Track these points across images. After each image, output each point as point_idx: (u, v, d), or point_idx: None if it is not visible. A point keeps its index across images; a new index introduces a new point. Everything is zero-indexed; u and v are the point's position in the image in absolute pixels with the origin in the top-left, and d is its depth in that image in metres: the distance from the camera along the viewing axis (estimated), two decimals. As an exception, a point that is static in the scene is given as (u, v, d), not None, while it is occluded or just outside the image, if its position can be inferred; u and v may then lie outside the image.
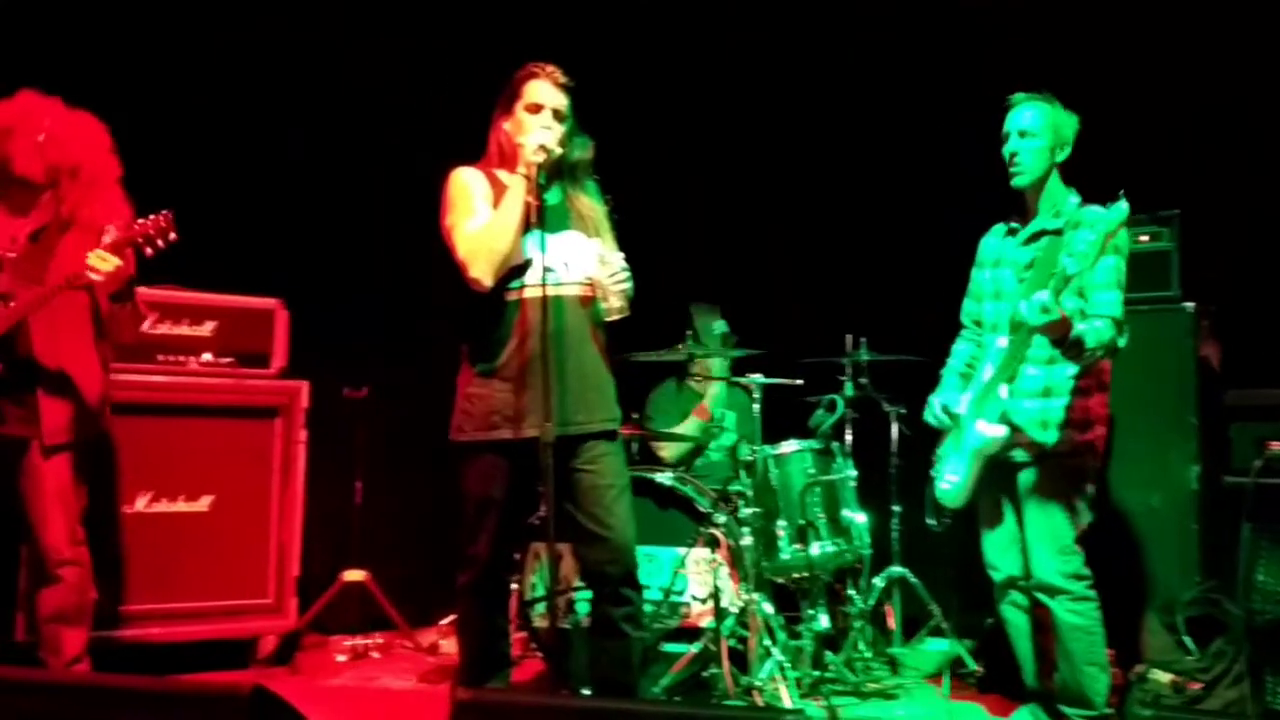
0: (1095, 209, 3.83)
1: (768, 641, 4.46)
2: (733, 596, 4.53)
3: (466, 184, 3.72)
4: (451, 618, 5.17)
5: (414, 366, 5.62)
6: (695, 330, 5.55)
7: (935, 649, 5.25)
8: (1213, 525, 4.66)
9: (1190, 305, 4.75)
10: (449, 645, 5.11)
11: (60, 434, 3.90)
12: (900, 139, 6.14)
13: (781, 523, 4.78)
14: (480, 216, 3.65)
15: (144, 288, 4.19)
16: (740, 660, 4.50)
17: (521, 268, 3.65)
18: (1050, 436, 3.86)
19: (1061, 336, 3.60)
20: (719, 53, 6.47)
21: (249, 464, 4.93)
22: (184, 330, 4.91)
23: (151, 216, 3.79)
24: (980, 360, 4.04)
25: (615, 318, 3.71)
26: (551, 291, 3.53)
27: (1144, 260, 4.67)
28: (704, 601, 4.58)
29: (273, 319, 5.12)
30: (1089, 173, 4.05)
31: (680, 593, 4.63)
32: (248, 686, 2.36)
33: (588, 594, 4.61)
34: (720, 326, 5.61)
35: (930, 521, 4.33)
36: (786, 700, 4.25)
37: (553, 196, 3.75)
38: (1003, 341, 3.87)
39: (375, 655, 5.32)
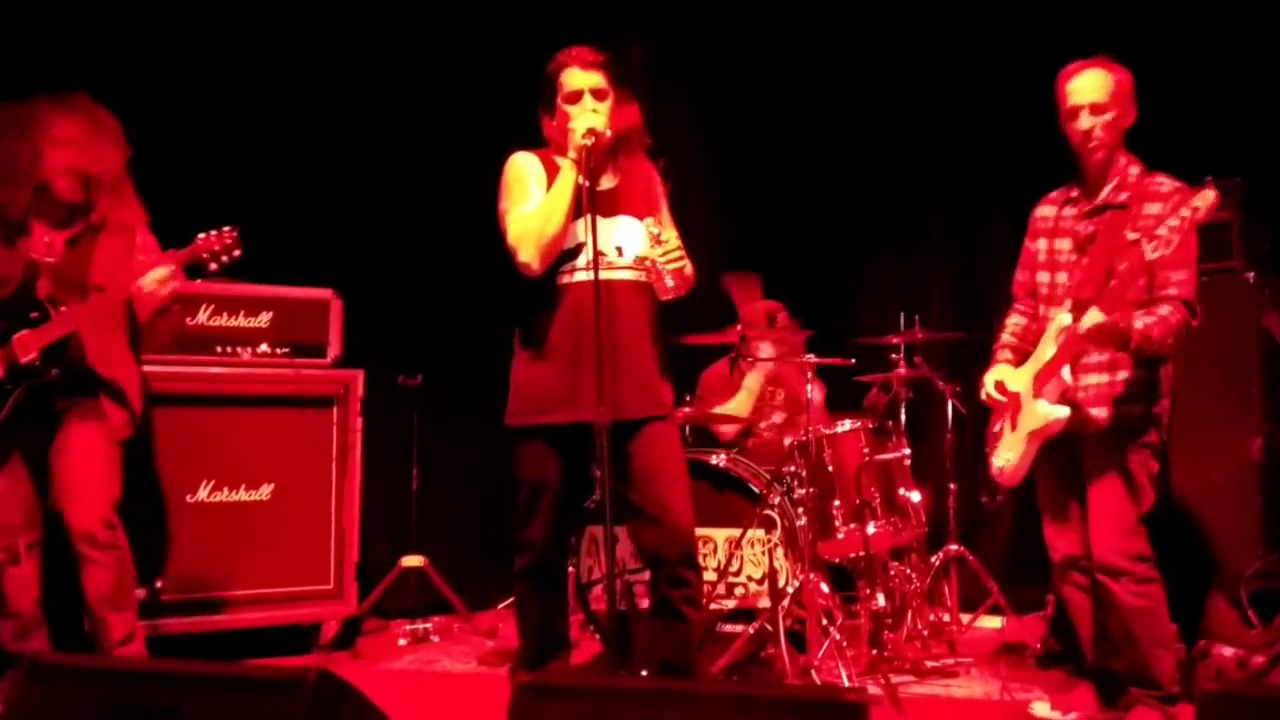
0: (1162, 181, 3.74)
1: (825, 621, 4.45)
2: (789, 577, 4.53)
3: (522, 169, 3.73)
4: (509, 601, 5.20)
5: (468, 353, 5.65)
6: (736, 307, 5.55)
7: (993, 626, 5.22)
8: (1276, 498, 4.59)
9: (1252, 275, 4.67)
10: (507, 628, 5.14)
11: (122, 430, 4.01)
12: (947, 120, 6.09)
13: (836, 503, 4.77)
14: (533, 201, 3.67)
15: (201, 280, 4.24)
16: (798, 640, 4.50)
17: (574, 252, 3.65)
18: (1115, 412, 3.75)
19: (1124, 341, 3.54)
20: (771, 26, 6.42)
21: (307, 453, 4.98)
22: (240, 322, 4.97)
23: (215, 232, 3.89)
24: (1040, 335, 3.90)
25: (670, 298, 3.68)
26: (604, 276, 3.52)
27: (1205, 230, 4.56)
28: (760, 582, 4.58)
29: (328, 309, 5.16)
30: (1150, 138, 3.93)
31: (736, 574, 4.64)
32: (313, 671, 2.38)
33: (643, 576, 4.65)
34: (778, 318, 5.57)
35: (984, 500, 4.30)
36: (845, 680, 4.25)
37: (607, 180, 3.75)
38: (1065, 319, 3.72)
39: (435, 639, 5.37)
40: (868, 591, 4.69)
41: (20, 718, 2.37)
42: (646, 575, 4.62)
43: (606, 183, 3.75)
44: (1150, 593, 3.74)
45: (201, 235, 3.90)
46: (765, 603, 4.50)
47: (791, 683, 4.26)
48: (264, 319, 5.03)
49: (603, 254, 3.56)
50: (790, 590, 4.52)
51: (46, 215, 3.98)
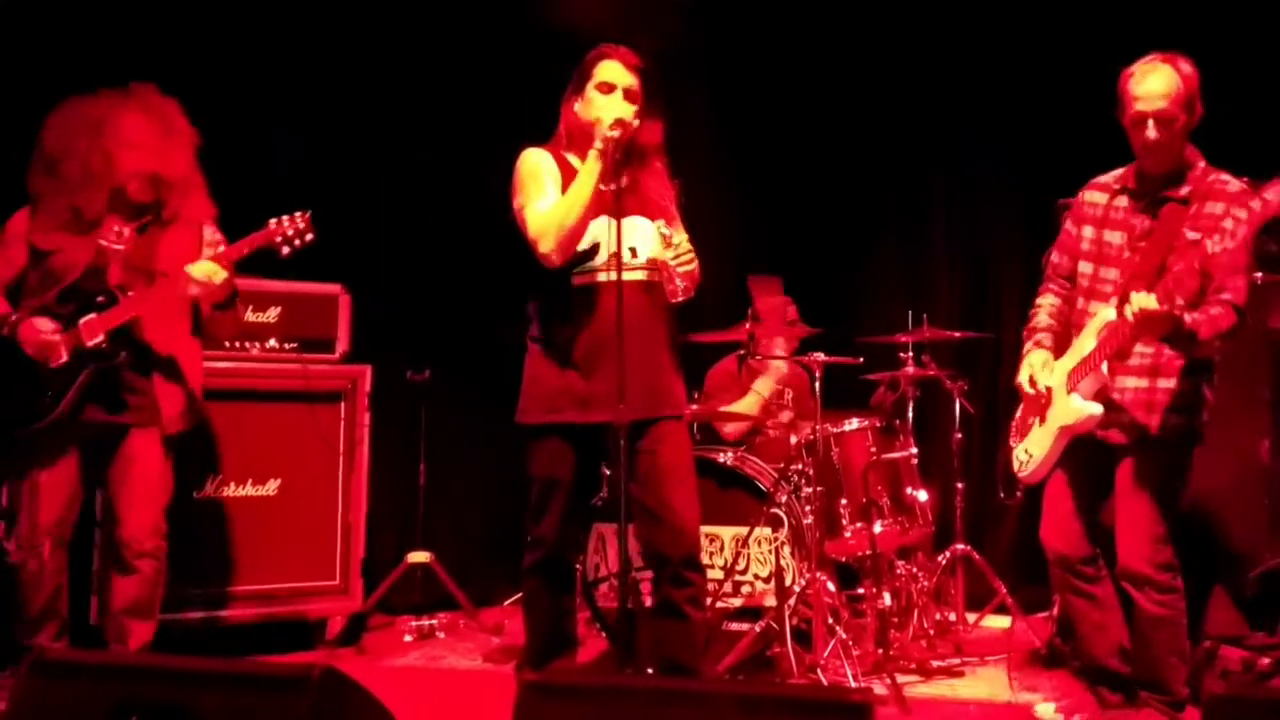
0: (1228, 179, 3.60)
1: (831, 621, 4.45)
2: (795, 575, 4.53)
3: (537, 164, 3.74)
4: (516, 598, 5.21)
5: (475, 349, 5.65)
6: (754, 305, 5.54)
7: (1000, 626, 5.21)
8: (1284, 500, 4.59)
9: (1260, 276, 4.66)
10: (513, 625, 5.14)
11: (176, 422, 4.05)
12: (963, 116, 6.09)
13: (843, 501, 4.76)
14: (550, 197, 3.68)
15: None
16: (804, 639, 4.50)
17: (590, 253, 3.68)
18: (1155, 421, 3.64)
19: (1172, 332, 3.43)
20: (781, 29, 6.42)
21: (315, 448, 4.99)
22: (249, 317, 4.97)
23: (288, 217, 3.97)
24: (1079, 325, 3.78)
25: (680, 300, 3.69)
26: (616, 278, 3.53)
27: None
28: (767, 581, 4.58)
29: (336, 304, 5.17)
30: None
31: (743, 572, 4.64)
32: (318, 667, 2.39)
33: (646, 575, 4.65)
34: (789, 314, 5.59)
35: (1001, 494, 4.26)
36: (850, 679, 4.24)
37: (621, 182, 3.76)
38: (1109, 313, 3.58)
39: (441, 635, 5.37)
40: (874, 590, 4.68)
41: (25, 714, 2.37)
42: (648, 574, 4.64)
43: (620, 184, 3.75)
44: (1172, 602, 3.70)
45: (274, 220, 3.97)
46: (771, 601, 4.50)
47: (797, 682, 4.26)
48: (272, 314, 5.03)
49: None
50: (796, 589, 4.52)
51: (119, 210, 4.04)
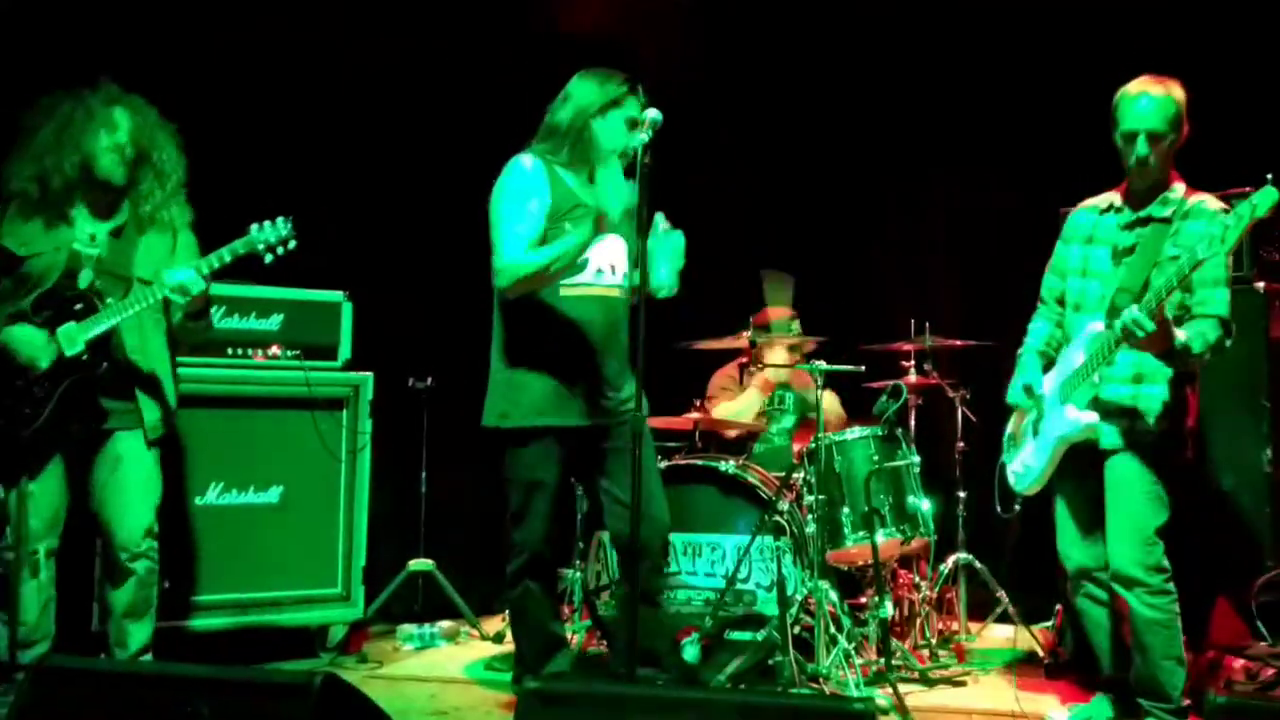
0: (1207, 199, 3.74)
1: (833, 629, 4.44)
2: (798, 584, 4.53)
3: (523, 182, 3.81)
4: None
5: (478, 356, 5.64)
6: (764, 308, 5.57)
7: (1002, 635, 5.21)
8: (1286, 509, 4.58)
9: (1262, 285, 4.66)
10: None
11: (157, 428, 4.02)
12: (964, 126, 6.10)
13: (845, 510, 4.75)
14: (526, 223, 3.75)
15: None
16: (806, 648, 4.49)
17: (579, 267, 3.81)
18: (1142, 424, 3.75)
19: (1163, 348, 3.55)
20: (789, 38, 6.43)
21: (317, 455, 4.98)
22: (251, 324, 4.97)
23: (269, 222, 3.90)
24: (1068, 341, 3.91)
25: (665, 296, 3.80)
26: (600, 291, 3.84)
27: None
28: (769, 589, 4.58)
29: (338, 312, 5.16)
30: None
31: (745, 580, 4.63)
32: (319, 675, 2.39)
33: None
34: (795, 327, 5.61)
35: (998, 508, 4.29)
36: (852, 688, 4.24)
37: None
38: (1097, 326, 3.73)
39: (442, 644, 5.37)
40: (876, 599, 4.68)
41: (28, 721, 2.38)
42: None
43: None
44: (1165, 605, 3.73)
45: (255, 226, 3.91)
46: (773, 610, 4.50)
47: (799, 691, 4.25)
48: (275, 321, 5.03)
49: (600, 270, 3.84)
50: (798, 597, 4.52)
51: (89, 202, 3.97)
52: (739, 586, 4.62)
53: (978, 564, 5.22)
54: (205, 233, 4.16)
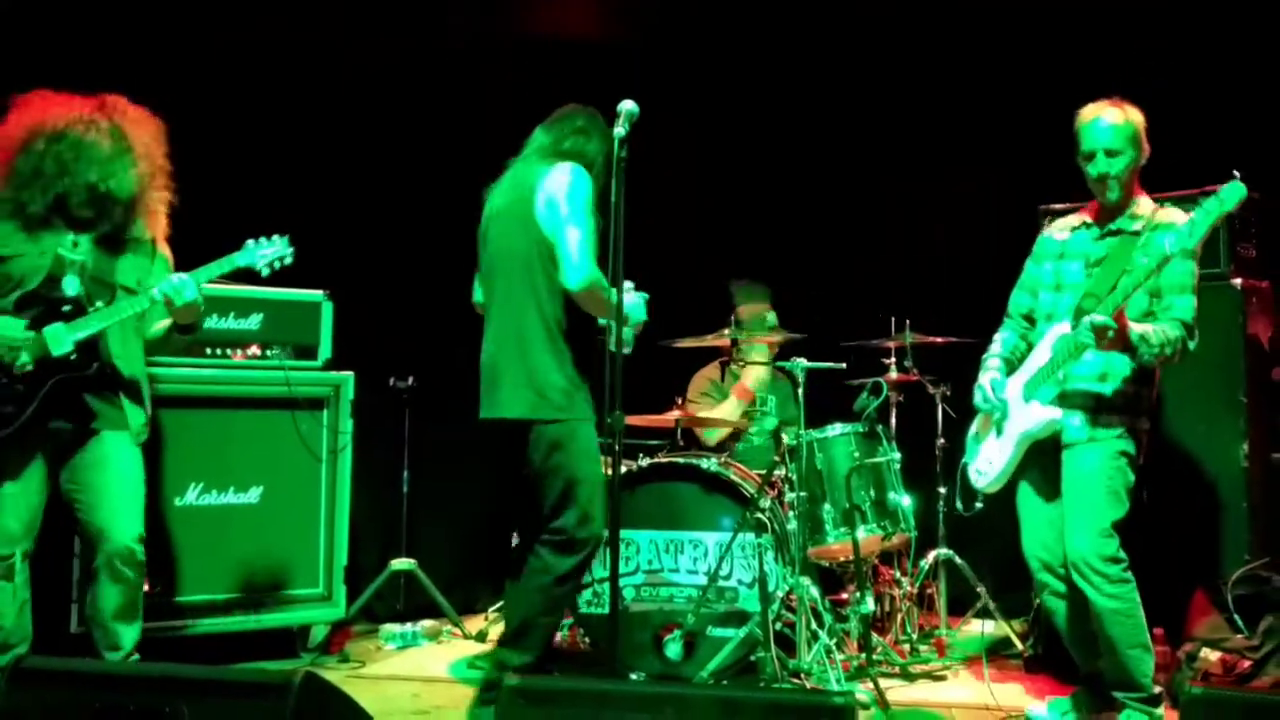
0: (1174, 213, 3.84)
1: (814, 625, 4.46)
2: (779, 580, 4.54)
3: (590, 192, 3.92)
4: (498, 605, 5.19)
5: (460, 356, 5.64)
6: (735, 310, 5.58)
7: (982, 630, 5.23)
8: (1262, 502, 4.62)
9: (1239, 281, 4.69)
10: (496, 632, 5.14)
11: (142, 433, 4.04)
12: (941, 123, 6.12)
13: (826, 506, 4.77)
14: (594, 239, 3.88)
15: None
16: (787, 644, 4.51)
17: None
18: (1103, 420, 3.84)
19: (1125, 346, 3.64)
20: (765, 36, 6.44)
21: (297, 455, 4.97)
22: (231, 324, 4.95)
23: (265, 238, 4.02)
24: (1035, 343, 4.01)
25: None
26: None
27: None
28: (750, 586, 4.59)
29: (319, 311, 5.15)
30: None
31: (727, 577, 4.64)
32: (301, 674, 2.39)
33: (634, 580, 4.66)
34: (771, 319, 5.65)
35: (959, 506, 4.33)
36: (833, 683, 4.25)
37: None
38: (1063, 327, 3.84)
39: (424, 642, 5.37)
40: (857, 595, 4.70)
41: (7, 722, 2.37)
42: (638, 578, 4.66)
43: None
44: (1124, 594, 3.78)
45: (251, 241, 4.00)
46: (755, 606, 4.51)
47: (780, 686, 4.27)
48: (255, 321, 5.01)
49: None
50: (780, 594, 4.53)
51: (61, 218, 3.95)
52: (721, 583, 4.63)
53: (958, 559, 5.24)
54: (189, 231, 4.17)
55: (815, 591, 4.57)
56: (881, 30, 6.21)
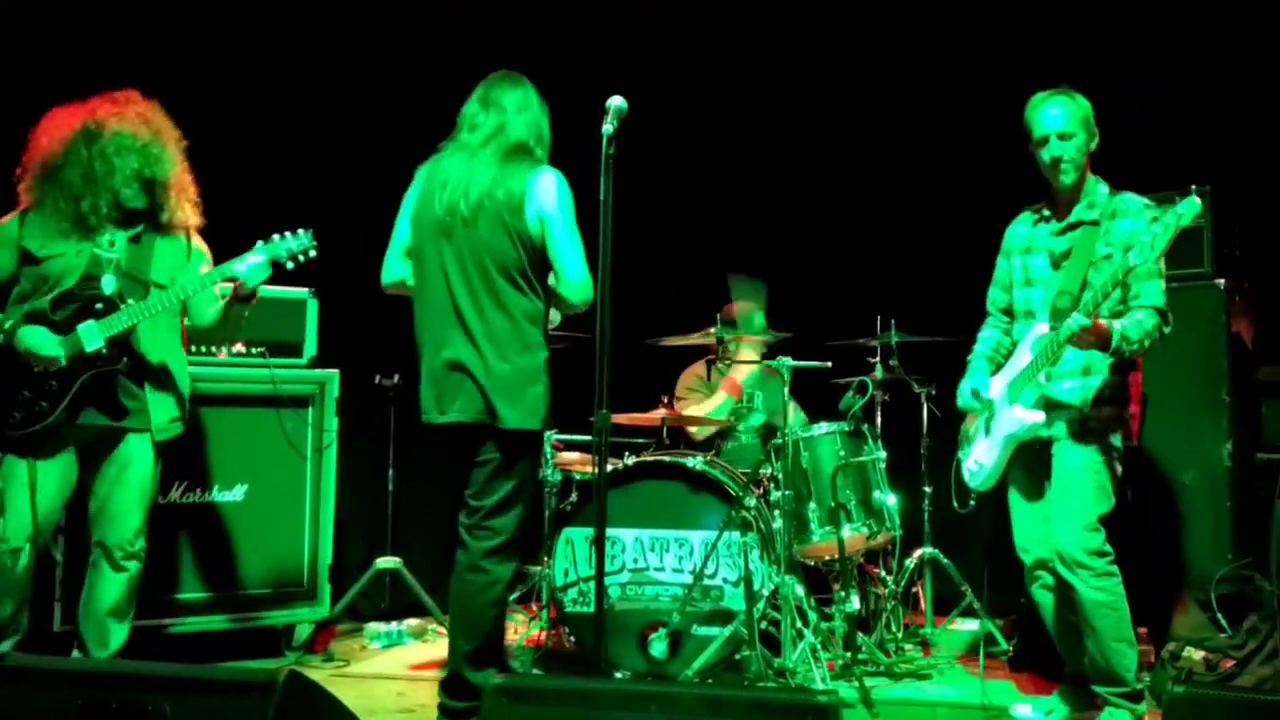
0: (1130, 197, 3.90)
1: (799, 624, 4.46)
2: (765, 579, 4.54)
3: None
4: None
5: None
6: (727, 306, 5.59)
7: (967, 629, 5.24)
8: (1245, 502, 4.63)
9: (1222, 282, 4.71)
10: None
11: (165, 429, 4.06)
12: (928, 123, 6.12)
13: (812, 505, 4.78)
14: None
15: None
16: (772, 643, 4.51)
17: None
18: (1088, 414, 3.88)
19: (1104, 343, 3.68)
20: (755, 36, 6.44)
21: (282, 453, 4.96)
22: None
23: (290, 233, 4.14)
24: (1017, 344, 4.04)
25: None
26: None
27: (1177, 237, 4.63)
28: (736, 584, 4.59)
29: (304, 309, 5.14)
30: (1119, 149, 4.06)
31: (712, 575, 4.64)
32: (283, 672, 2.38)
33: (619, 578, 4.66)
34: (760, 320, 5.66)
35: (955, 503, 4.35)
36: (819, 682, 4.26)
37: None
38: (1042, 328, 3.87)
39: (409, 641, 5.36)
40: (842, 594, 4.70)
41: (-11, 720, 2.36)
42: (623, 577, 4.65)
43: None
44: (1109, 587, 3.82)
45: (277, 235, 4.10)
46: (741, 605, 4.51)
47: (765, 685, 4.27)
48: (239, 318, 5.00)
49: None
50: (765, 592, 4.53)
51: (121, 215, 4.03)
52: (706, 582, 4.63)
53: (943, 558, 5.25)
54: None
55: (800, 590, 4.58)
56: (878, 30, 6.21)
